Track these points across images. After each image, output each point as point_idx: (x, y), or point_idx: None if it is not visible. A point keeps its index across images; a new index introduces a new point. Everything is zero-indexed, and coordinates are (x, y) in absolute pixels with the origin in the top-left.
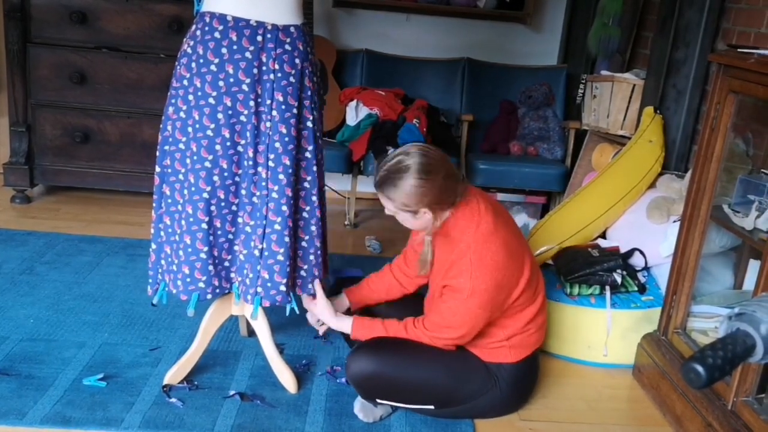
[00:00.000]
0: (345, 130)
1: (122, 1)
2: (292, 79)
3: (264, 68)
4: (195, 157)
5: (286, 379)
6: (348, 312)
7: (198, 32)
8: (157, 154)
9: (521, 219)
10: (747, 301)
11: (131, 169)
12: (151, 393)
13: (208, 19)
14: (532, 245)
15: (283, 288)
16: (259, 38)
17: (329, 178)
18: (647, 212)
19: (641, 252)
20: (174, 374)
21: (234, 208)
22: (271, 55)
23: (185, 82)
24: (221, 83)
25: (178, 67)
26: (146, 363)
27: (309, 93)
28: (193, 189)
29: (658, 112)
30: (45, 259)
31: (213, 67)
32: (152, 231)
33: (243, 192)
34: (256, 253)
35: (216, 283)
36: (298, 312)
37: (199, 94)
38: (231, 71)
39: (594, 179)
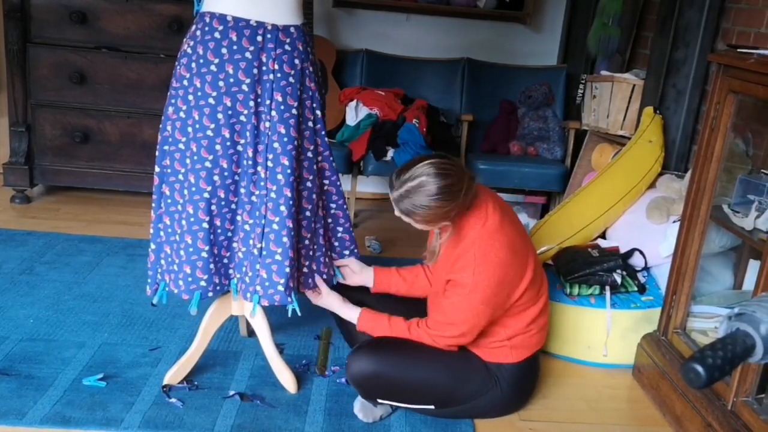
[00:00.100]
0: (345, 130)
1: (122, 1)
2: (291, 80)
3: (264, 68)
4: (195, 157)
5: (286, 379)
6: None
7: (198, 32)
8: (157, 154)
9: (521, 219)
10: (747, 301)
11: (131, 169)
12: (151, 393)
13: (208, 20)
14: (534, 247)
15: (281, 288)
16: (259, 38)
17: None
18: (647, 212)
19: (641, 252)
20: (174, 374)
21: (233, 206)
22: (270, 55)
23: (185, 82)
24: (221, 83)
25: (178, 67)
26: (146, 363)
27: (310, 93)
28: (193, 189)
29: (657, 112)
30: (45, 259)
31: (213, 68)
32: (151, 231)
33: (242, 191)
34: (255, 252)
35: (217, 281)
36: (299, 314)
37: (199, 94)
38: (231, 71)
39: (594, 179)
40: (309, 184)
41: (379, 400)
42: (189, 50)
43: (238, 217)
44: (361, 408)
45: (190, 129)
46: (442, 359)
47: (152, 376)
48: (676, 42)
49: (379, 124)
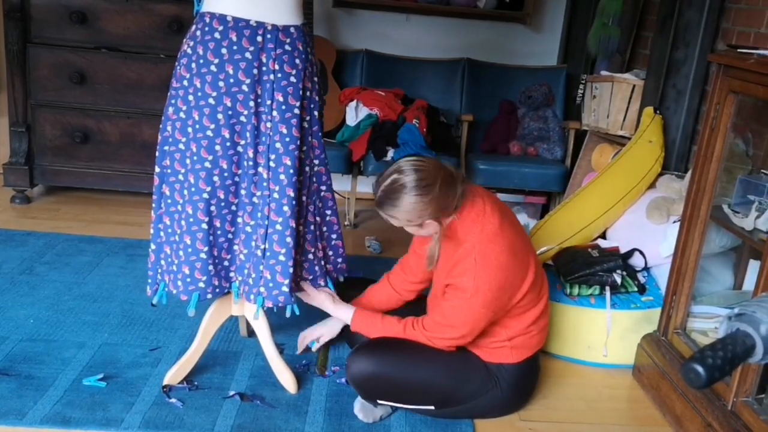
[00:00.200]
0: (345, 131)
1: (122, 1)
2: (292, 80)
3: (264, 69)
4: (195, 158)
5: (286, 379)
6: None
7: (198, 32)
8: (157, 154)
9: (521, 219)
10: (747, 302)
11: (131, 170)
12: (151, 393)
13: (208, 20)
14: (534, 248)
15: (285, 288)
16: (259, 38)
17: None
18: (647, 212)
19: (641, 252)
20: (174, 374)
21: (233, 208)
22: (271, 55)
23: (185, 83)
24: (221, 83)
25: (178, 68)
26: (146, 363)
27: (308, 93)
28: (193, 189)
29: (657, 112)
30: (45, 259)
31: (213, 68)
32: (152, 231)
33: (243, 192)
34: (258, 253)
35: (216, 282)
36: (298, 313)
37: (199, 94)
38: (231, 71)
39: (594, 179)
40: (298, 185)
41: (379, 401)
42: (189, 50)
43: (239, 219)
44: (361, 408)
45: (190, 129)
46: (442, 360)
47: (152, 377)
48: (676, 42)
49: (379, 125)
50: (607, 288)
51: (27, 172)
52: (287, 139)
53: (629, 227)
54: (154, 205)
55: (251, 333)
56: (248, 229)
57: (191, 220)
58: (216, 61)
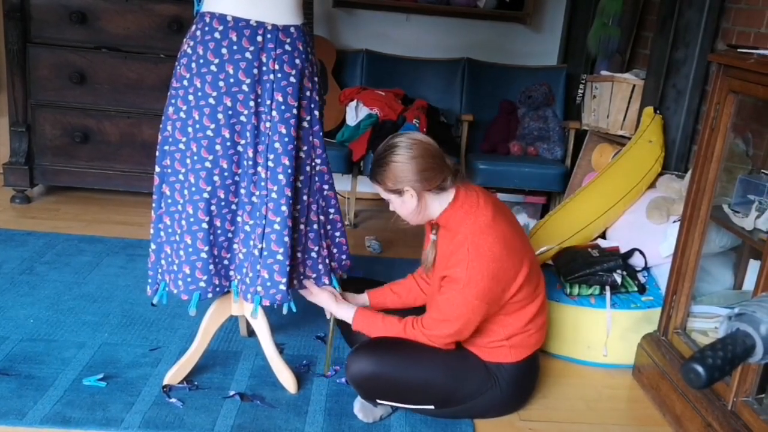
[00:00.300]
0: (345, 131)
1: (122, 1)
2: (292, 80)
3: (264, 68)
4: (195, 157)
5: (286, 379)
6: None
7: (198, 32)
8: (157, 154)
9: (521, 219)
10: (747, 302)
11: (131, 169)
12: (151, 393)
13: (208, 20)
14: (531, 245)
15: (282, 287)
16: (259, 38)
17: None
18: (647, 212)
19: (641, 252)
20: (174, 374)
21: (233, 207)
22: (271, 55)
23: (185, 83)
24: (221, 83)
25: (178, 68)
26: (146, 363)
27: (308, 93)
28: (193, 189)
29: (657, 112)
30: (45, 259)
31: (213, 68)
32: (152, 231)
33: (242, 191)
34: (256, 252)
35: (216, 282)
36: (295, 311)
37: (199, 94)
38: (231, 71)
39: (594, 179)
40: (299, 183)
41: (379, 401)
42: (189, 50)
43: (239, 218)
44: (361, 408)
45: (190, 129)
46: (441, 359)
47: (152, 376)
48: (676, 42)
49: (379, 124)
50: (607, 288)
51: (27, 172)
52: (286, 139)
53: (629, 227)
54: (154, 204)
55: (251, 333)
56: (247, 228)
57: (192, 219)
58: (216, 60)
